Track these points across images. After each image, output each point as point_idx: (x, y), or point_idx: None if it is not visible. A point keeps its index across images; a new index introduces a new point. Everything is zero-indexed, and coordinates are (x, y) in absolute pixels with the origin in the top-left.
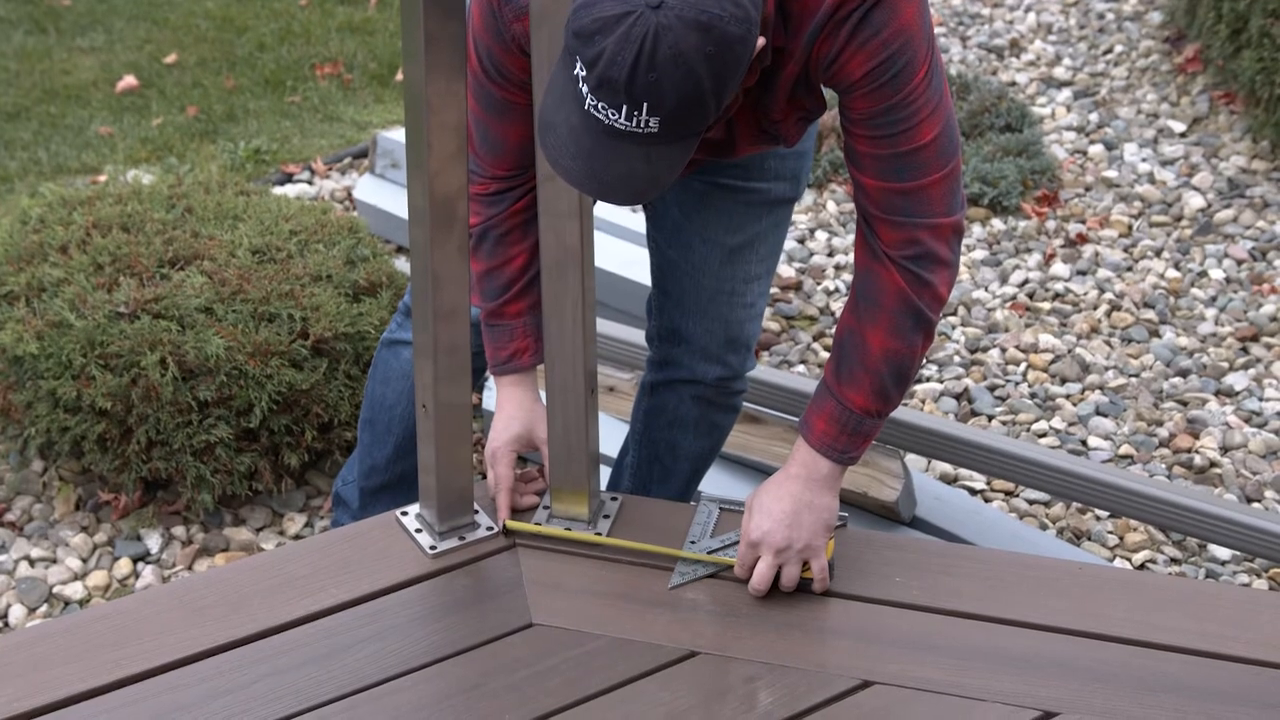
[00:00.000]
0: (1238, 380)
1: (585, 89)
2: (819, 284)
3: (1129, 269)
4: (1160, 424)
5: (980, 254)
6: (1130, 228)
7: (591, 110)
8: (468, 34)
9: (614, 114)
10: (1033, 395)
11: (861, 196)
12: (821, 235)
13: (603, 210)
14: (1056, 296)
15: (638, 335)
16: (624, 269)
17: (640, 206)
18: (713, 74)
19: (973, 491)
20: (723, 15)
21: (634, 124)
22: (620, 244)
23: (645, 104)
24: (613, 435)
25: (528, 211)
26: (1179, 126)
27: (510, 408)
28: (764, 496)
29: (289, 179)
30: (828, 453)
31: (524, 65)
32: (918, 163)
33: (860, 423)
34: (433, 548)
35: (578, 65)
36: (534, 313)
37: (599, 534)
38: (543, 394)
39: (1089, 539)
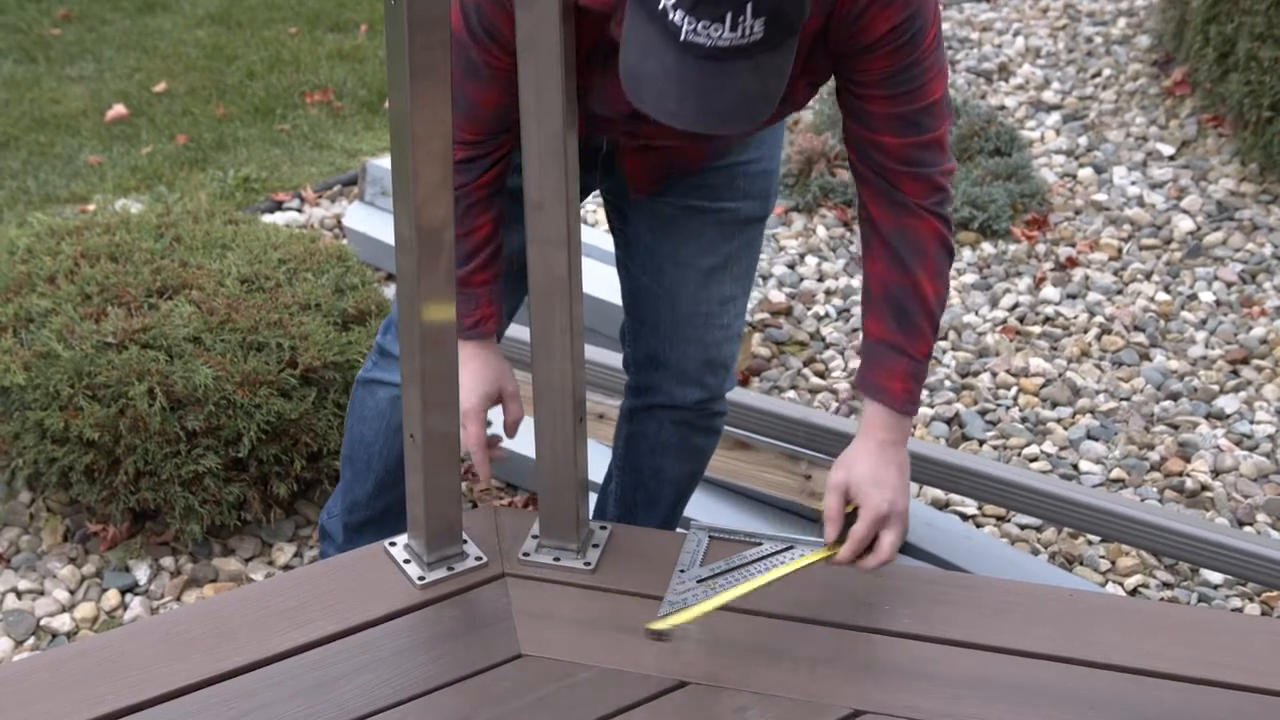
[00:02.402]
0: (1228, 403)
1: (679, 16)
2: (809, 309)
3: (1119, 292)
4: (1151, 448)
5: (970, 278)
6: (1120, 251)
7: (691, 38)
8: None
9: (718, 29)
10: (1023, 419)
11: (880, 155)
12: (812, 260)
13: (591, 237)
14: (1047, 320)
15: None
16: (613, 295)
17: (611, 232)
18: None
19: (964, 517)
20: None
21: (739, 34)
22: (609, 270)
23: (749, 4)
24: (602, 462)
25: (495, 184)
26: (1168, 150)
27: (475, 366)
28: (864, 468)
29: (279, 207)
30: (908, 409)
31: (513, 23)
32: (931, 116)
33: (925, 369)
34: (421, 578)
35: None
36: (497, 283)
37: (588, 563)
38: (530, 420)
39: (1081, 564)
